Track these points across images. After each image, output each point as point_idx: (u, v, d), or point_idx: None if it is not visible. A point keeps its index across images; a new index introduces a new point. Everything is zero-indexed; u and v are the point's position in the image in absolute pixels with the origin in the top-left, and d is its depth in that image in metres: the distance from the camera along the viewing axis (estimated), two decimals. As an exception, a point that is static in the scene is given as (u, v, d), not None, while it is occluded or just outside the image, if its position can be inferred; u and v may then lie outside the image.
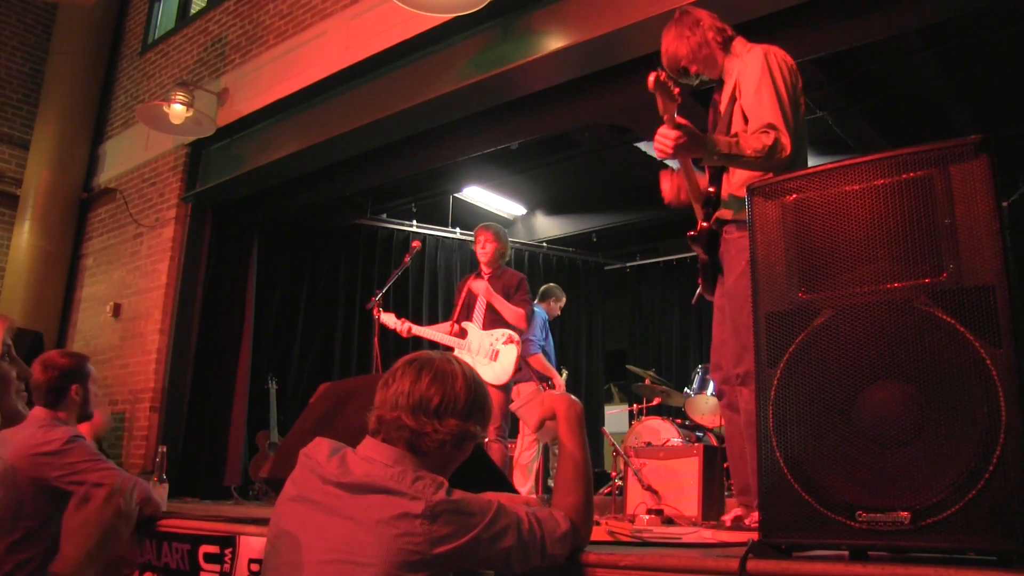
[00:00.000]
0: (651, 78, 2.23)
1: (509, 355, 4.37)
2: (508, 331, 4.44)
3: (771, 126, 2.25)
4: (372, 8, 4.92)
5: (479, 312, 4.58)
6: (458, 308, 4.62)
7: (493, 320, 4.50)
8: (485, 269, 4.68)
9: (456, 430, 1.52)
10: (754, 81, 2.35)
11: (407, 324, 4.55)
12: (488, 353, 4.41)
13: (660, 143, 2.24)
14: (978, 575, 1.27)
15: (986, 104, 5.37)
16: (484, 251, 4.65)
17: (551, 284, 6.09)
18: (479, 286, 4.53)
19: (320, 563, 1.41)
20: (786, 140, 2.24)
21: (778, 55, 2.40)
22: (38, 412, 2.56)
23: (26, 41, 7.64)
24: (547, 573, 1.63)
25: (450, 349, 4.31)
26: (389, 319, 4.60)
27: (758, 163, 2.25)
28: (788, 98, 2.32)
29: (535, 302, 5.83)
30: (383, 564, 1.36)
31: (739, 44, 2.52)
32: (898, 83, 5.06)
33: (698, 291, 2.75)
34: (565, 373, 6.33)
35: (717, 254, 2.55)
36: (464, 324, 4.55)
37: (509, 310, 4.44)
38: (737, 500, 2.44)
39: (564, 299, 6.00)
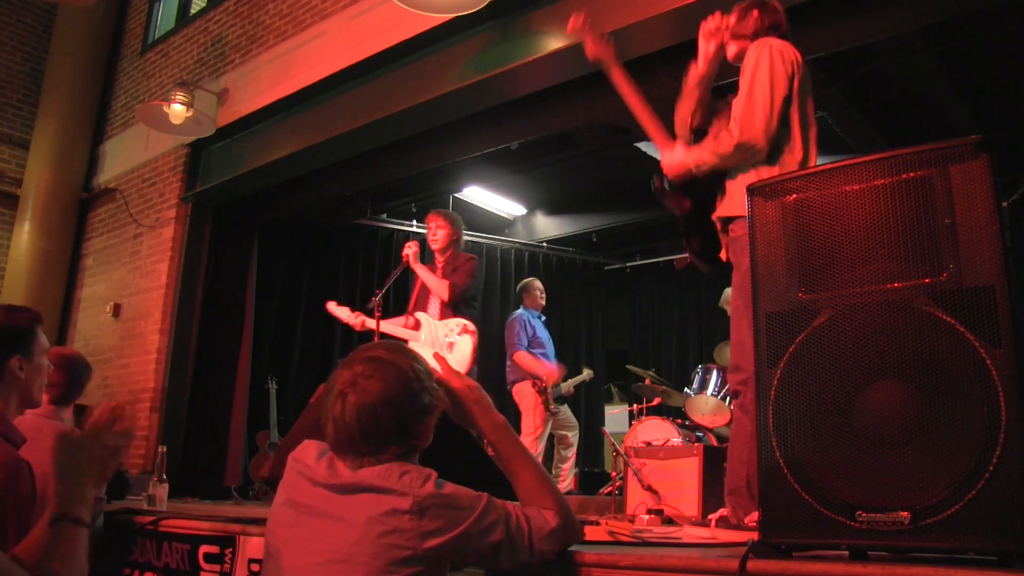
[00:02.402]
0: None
1: (465, 345, 4.25)
2: (463, 321, 4.31)
3: (734, 122, 2.39)
4: (372, 8, 4.91)
5: (434, 304, 4.42)
6: (413, 299, 4.47)
7: (449, 310, 4.37)
8: (439, 257, 4.54)
9: (429, 423, 1.53)
10: (745, 76, 2.43)
11: (361, 317, 4.43)
12: (443, 345, 4.27)
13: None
14: (978, 575, 1.27)
15: (986, 104, 5.37)
16: (436, 237, 4.47)
17: (523, 281, 6.09)
18: (410, 252, 4.37)
19: (314, 565, 1.41)
20: (748, 135, 2.34)
21: (776, 46, 2.43)
22: None
23: (26, 41, 7.64)
24: (546, 572, 1.63)
25: (404, 342, 4.15)
26: (343, 312, 4.50)
27: (725, 161, 2.39)
28: (762, 93, 2.36)
29: (520, 309, 5.88)
30: (375, 561, 1.36)
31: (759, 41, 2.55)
32: (898, 83, 5.06)
33: (683, 256, 2.66)
34: (587, 372, 6.33)
35: (699, 198, 2.59)
36: (418, 315, 4.40)
37: (433, 280, 4.31)
38: (726, 500, 2.43)
39: (539, 285, 5.98)
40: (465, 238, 7.68)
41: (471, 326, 4.31)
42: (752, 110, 2.36)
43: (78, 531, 1.38)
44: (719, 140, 2.41)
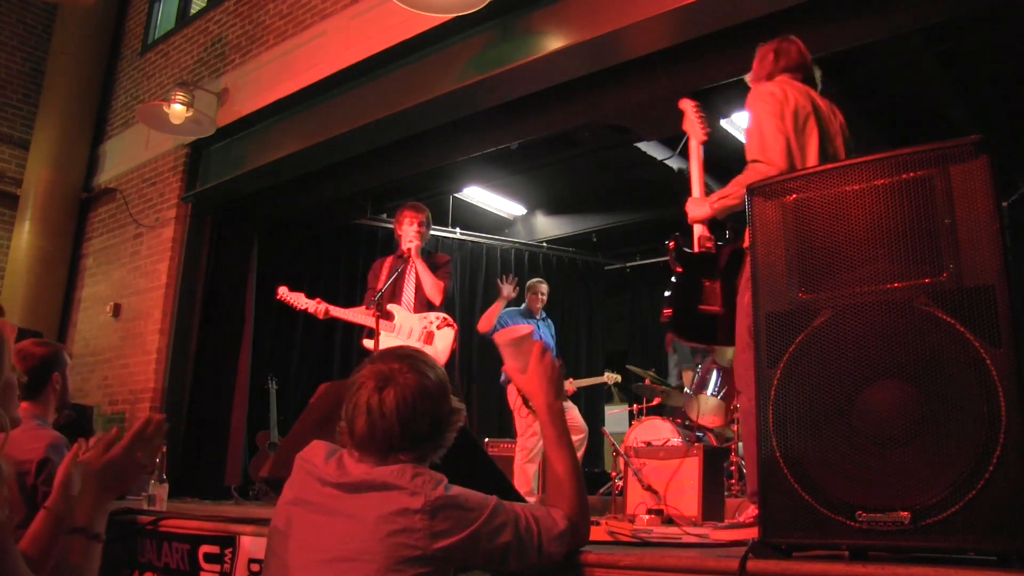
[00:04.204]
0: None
1: (445, 338, 4.14)
2: (444, 314, 4.20)
3: (753, 161, 2.44)
4: (372, 8, 4.91)
5: (409, 295, 4.28)
6: (380, 290, 4.22)
7: (424, 304, 4.25)
8: (415, 256, 4.31)
9: (456, 426, 1.57)
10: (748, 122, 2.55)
11: (323, 305, 4.21)
12: (421, 335, 4.14)
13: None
14: (978, 575, 1.27)
15: (986, 104, 5.37)
16: (421, 232, 4.28)
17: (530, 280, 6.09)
18: (412, 247, 4.20)
19: (320, 563, 1.41)
20: (765, 167, 2.38)
21: (762, 90, 2.53)
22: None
23: (26, 41, 7.64)
24: (547, 572, 1.63)
25: (373, 332, 4.03)
26: (300, 300, 4.25)
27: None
28: (769, 127, 2.44)
29: (518, 307, 5.88)
30: (383, 560, 1.36)
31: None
32: (898, 83, 5.06)
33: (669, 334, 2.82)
34: (608, 375, 6.31)
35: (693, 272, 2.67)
36: (391, 307, 4.22)
37: (429, 280, 4.18)
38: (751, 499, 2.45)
39: (542, 288, 5.96)
40: (463, 238, 7.75)
41: (451, 320, 4.21)
42: (766, 143, 2.42)
43: (95, 546, 1.40)
44: (747, 172, 2.46)
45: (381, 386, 1.48)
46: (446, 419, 1.54)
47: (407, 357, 1.54)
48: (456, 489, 1.45)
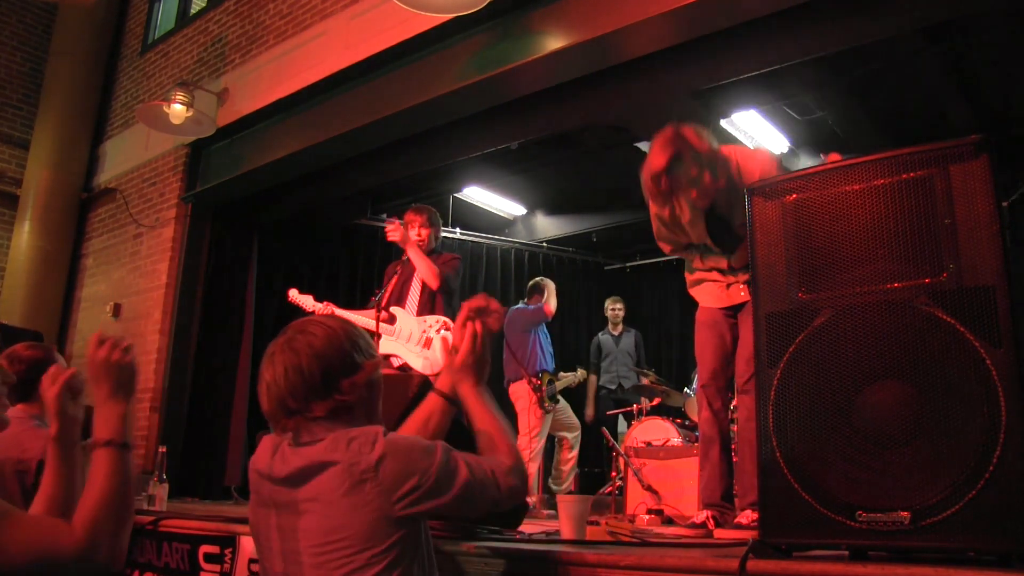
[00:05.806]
0: None
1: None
2: (443, 318, 4.18)
3: None
4: (372, 8, 4.91)
5: (412, 299, 4.30)
6: (387, 293, 4.26)
7: (427, 306, 4.25)
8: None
9: (358, 379, 1.51)
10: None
11: (330, 308, 4.25)
12: (420, 340, 4.14)
13: None
14: (978, 575, 1.27)
15: (986, 104, 5.37)
16: (420, 238, 4.29)
17: (542, 279, 6.05)
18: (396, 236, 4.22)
19: (301, 562, 1.40)
20: None
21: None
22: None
23: (26, 41, 7.64)
24: (549, 573, 1.62)
25: (373, 334, 4.02)
26: (307, 301, 4.32)
27: None
28: None
29: (521, 303, 5.88)
30: (356, 538, 1.36)
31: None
32: (898, 83, 5.06)
33: None
34: (581, 372, 6.34)
35: None
36: (393, 309, 4.24)
37: (425, 265, 4.16)
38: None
39: (554, 291, 5.95)
40: (463, 238, 7.74)
41: (451, 323, 4.16)
42: None
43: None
44: None
45: (274, 354, 1.50)
46: (343, 371, 1.49)
47: (303, 323, 1.55)
48: (395, 442, 1.42)
